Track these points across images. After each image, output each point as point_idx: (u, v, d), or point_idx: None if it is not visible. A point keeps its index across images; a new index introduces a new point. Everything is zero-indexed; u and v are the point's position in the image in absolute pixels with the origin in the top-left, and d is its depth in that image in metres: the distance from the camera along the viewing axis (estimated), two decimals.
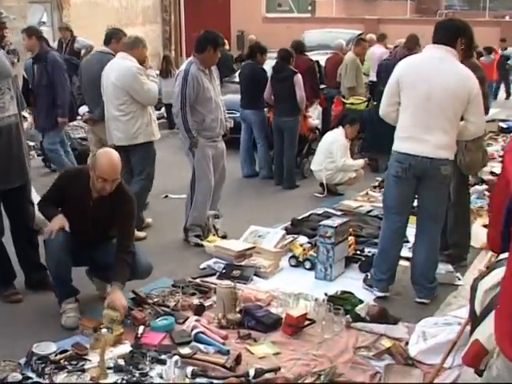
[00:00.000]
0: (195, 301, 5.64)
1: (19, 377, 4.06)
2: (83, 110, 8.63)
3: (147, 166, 7.75)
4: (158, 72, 16.38)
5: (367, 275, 6.14)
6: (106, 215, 5.48)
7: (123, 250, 5.43)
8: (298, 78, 10.17)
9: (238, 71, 12.60)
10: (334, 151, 9.47)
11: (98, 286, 5.89)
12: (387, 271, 5.90)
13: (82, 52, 13.78)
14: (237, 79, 14.00)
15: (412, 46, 11.40)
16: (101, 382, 4.36)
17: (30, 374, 4.49)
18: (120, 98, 7.48)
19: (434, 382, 4.34)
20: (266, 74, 10.84)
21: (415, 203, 5.92)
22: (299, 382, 4.36)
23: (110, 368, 4.53)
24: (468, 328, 4.51)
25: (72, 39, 13.76)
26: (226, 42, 14.05)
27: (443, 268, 6.21)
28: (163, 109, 15.27)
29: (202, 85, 7.11)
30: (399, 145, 5.64)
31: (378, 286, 5.93)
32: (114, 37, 8.34)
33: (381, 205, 8.57)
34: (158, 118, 15.51)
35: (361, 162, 9.91)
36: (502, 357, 2.50)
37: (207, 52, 7.17)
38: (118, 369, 4.52)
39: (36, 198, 6.33)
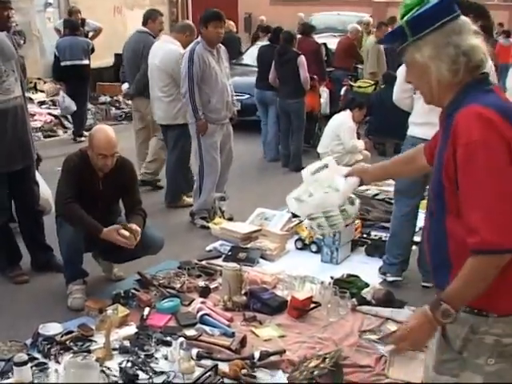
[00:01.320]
0: (201, 283, 5.64)
1: (25, 357, 4.06)
2: (125, 86, 9.21)
3: (179, 143, 8.03)
4: None
5: (383, 262, 6.07)
6: (115, 191, 5.53)
7: (136, 212, 5.54)
8: (302, 59, 10.18)
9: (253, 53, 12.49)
10: (341, 134, 9.43)
11: (105, 268, 5.91)
12: (399, 256, 5.87)
13: (90, 34, 13.76)
14: (244, 61, 13.98)
15: None
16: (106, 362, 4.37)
17: (36, 355, 4.50)
18: (163, 80, 7.90)
19: None
20: None
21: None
22: (304, 364, 4.36)
23: (115, 349, 4.54)
24: None
25: (82, 22, 13.73)
26: (232, 23, 14.01)
27: None
28: None
29: (208, 64, 7.09)
30: (414, 130, 5.58)
31: (390, 270, 5.90)
32: (150, 17, 8.94)
33: (387, 188, 8.62)
34: None
35: (361, 142, 9.88)
36: None
37: (207, 29, 7.13)
38: (123, 350, 4.53)
39: (40, 178, 6.34)
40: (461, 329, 2.48)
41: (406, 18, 2.50)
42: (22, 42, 13.93)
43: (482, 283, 2.36)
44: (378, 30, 13.78)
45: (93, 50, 12.29)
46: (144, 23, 8.95)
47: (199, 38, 7.21)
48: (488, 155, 2.29)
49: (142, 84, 8.45)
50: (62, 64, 11.36)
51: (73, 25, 11.97)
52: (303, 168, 9.46)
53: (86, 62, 11.92)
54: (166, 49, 7.95)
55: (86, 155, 5.39)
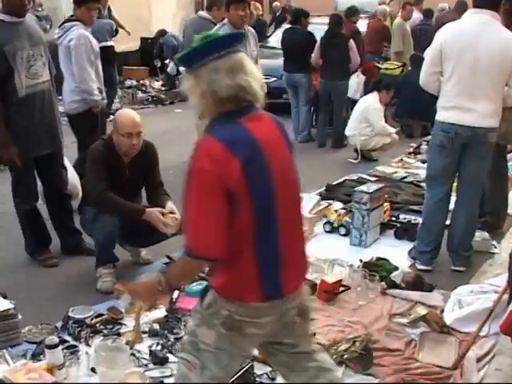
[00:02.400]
0: None
1: (56, 340, 4.08)
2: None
3: None
4: None
5: (413, 247, 6.04)
6: (140, 175, 5.54)
7: (161, 193, 5.58)
8: (352, 42, 10.40)
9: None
10: (369, 116, 9.39)
11: (132, 252, 5.93)
12: (430, 243, 5.80)
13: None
14: (271, 44, 13.92)
15: (461, 11, 11.23)
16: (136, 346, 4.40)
17: (67, 338, 4.53)
18: None
19: (471, 349, 4.31)
20: (314, 37, 10.85)
21: None
22: (334, 348, 4.35)
23: (145, 332, 4.57)
24: (505, 296, 4.50)
25: (109, 7, 13.80)
26: (258, 5, 13.95)
27: (479, 236, 6.13)
28: None
29: None
30: (443, 114, 5.52)
31: (420, 258, 5.85)
32: (215, 4, 8.85)
33: (415, 171, 8.61)
34: None
35: (392, 129, 9.84)
36: None
37: (229, 11, 7.13)
38: (153, 333, 4.55)
39: (67, 163, 6.37)
40: (211, 296, 2.92)
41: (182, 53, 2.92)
42: (48, 27, 13.94)
43: (185, 273, 3.05)
44: (403, 10, 13.58)
45: (116, 32, 12.32)
46: (208, 8, 9.03)
47: (225, 20, 7.17)
48: (198, 181, 2.69)
49: None
50: None
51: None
52: (345, 145, 9.43)
53: (110, 43, 11.96)
54: None
55: (111, 142, 5.38)
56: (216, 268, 2.93)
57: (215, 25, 8.58)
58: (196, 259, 2.78)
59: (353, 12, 12.18)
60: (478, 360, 4.27)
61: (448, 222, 5.92)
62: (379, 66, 12.52)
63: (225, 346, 2.90)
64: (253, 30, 7.44)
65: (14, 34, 5.47)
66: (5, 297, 4.97)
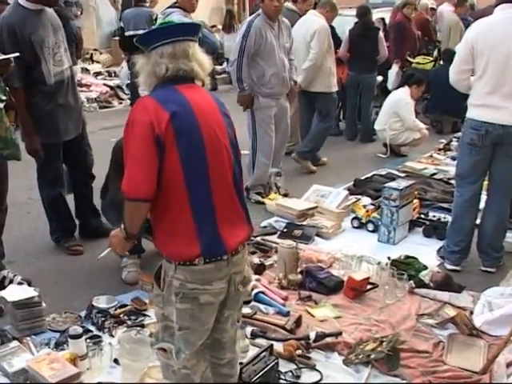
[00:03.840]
0: (255, 259, 5.57)
1: (80, 330, 4.05)
2: None
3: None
4: (220, 27, 16.32)
5: (442, 246, 5.94)
6: None
7: None
8: (381, 35, 10.36)
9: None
10: (400, 110, 9.27)
11: None
12: (460, 243, 5.70)
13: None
14: None
15: None
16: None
17: (90, 327, 4.52)
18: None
19: (501, 354, 4.22)
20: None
21: None
22: (360, 347, 4.28)
23: None
24: None
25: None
26: None
27: (510, 236, 6.02)
28: (225, 63, 15.16)
29: (264, 38, 6.98)
30: (474, 112, 5.42)
31: (449, 258, 5.75)
32: None
33: (445, 168, 8.50)
34: (220, 73, 15.52)
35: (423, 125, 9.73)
36: None
37: (263, 2, 7.04)
38: None
39: None
40: (163, 272, 3.12)
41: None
42: (78, 12, 13.95)
43: (131, 219, 3.12)
44: (459, 6, 13.38)
45: (156, 20, 12.27)
46: (294, 0, 9.45)
47: (260, 11, 7.11)
48: (133, 130, 2.99)
49: None
50: (126, 34, 11.31)
51: None
52: (374, 140, 9.34)
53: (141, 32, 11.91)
54: (309, 21, 8.64)
55: None
56: (157, 226, 3.14)
57: (300, 16, 9.00)
58: (130, 201, 3.02)
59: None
60: (508, 365, 4.16)
61: (478, 222, 5.82)
62: (410, 60, 12.37)
63: (186, 323, 3.08)
64: (287, 22, 7.37)
65: (40, 23, 5.45)
66: (29, 284, 4.98)
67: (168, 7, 7.16)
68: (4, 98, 4.81)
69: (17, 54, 4.97)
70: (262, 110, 7.21)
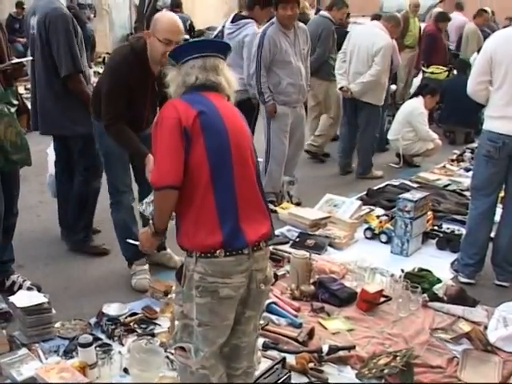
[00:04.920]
0: None
1: (90, 338, 4.00)
2: None
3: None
4: None
5: (456, 259, 5.88)
6: (158, 92, 5.01)
7: None
8: (394, 43, 10.08)
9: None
10: (414, 120, 9.21)
11: (165, 258, 5.74)
12: (474, 256, 5.63)
13: (164, 10, 13.85)
14: None
15: None
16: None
17: (100, 335, 4.47)
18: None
19: None
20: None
21: None
22: (373, 361, 4.22)
23: None
24: None
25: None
26: (307, 4, 13.81)
27: None
28: None
29: (279, 47, 6.94)
30: (491, 124, 5.36)
31: (463, 271, 5.68)
32: (336, 5, 9.42)
33: (459, 179, 8.44)
34: None
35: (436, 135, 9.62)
36: None
37: (277, 10, 7.00)
38: None
39: None
40: (184, 268, 3.20)
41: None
42: (92, 15, 13.96)
43: (159, 209, 3.26)
44: (478, 17, 13.34)
45: (192, 28, 12.30)
46: (329, 9, 9.47)
47: (274, 19, 7.06)
48: (161, 125, 3.17)
49: (317, 65, 8.89)
50: None
51: (175, 1, 12.06)
52: (387, 149, 9.31)
53: (186, 37, 11.95)
54: (373, 33, 8.59)
55: (141, 49, 4.91)
56: (181, 220, 3.22)
57: (334, 24, 9.13)
58: (158, 190, 3.15)
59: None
60: None
61: (493, 235, 5.75)
62: (424, 69, 12.31)
63: (206, 318, 3.14)
64: (304, 27, 7.31)
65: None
66: (39, 290, 4.94)
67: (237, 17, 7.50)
68: (16, 102, 4.78)
69: (30, 58, 4.94)
70: (278, 118, 7.16)
